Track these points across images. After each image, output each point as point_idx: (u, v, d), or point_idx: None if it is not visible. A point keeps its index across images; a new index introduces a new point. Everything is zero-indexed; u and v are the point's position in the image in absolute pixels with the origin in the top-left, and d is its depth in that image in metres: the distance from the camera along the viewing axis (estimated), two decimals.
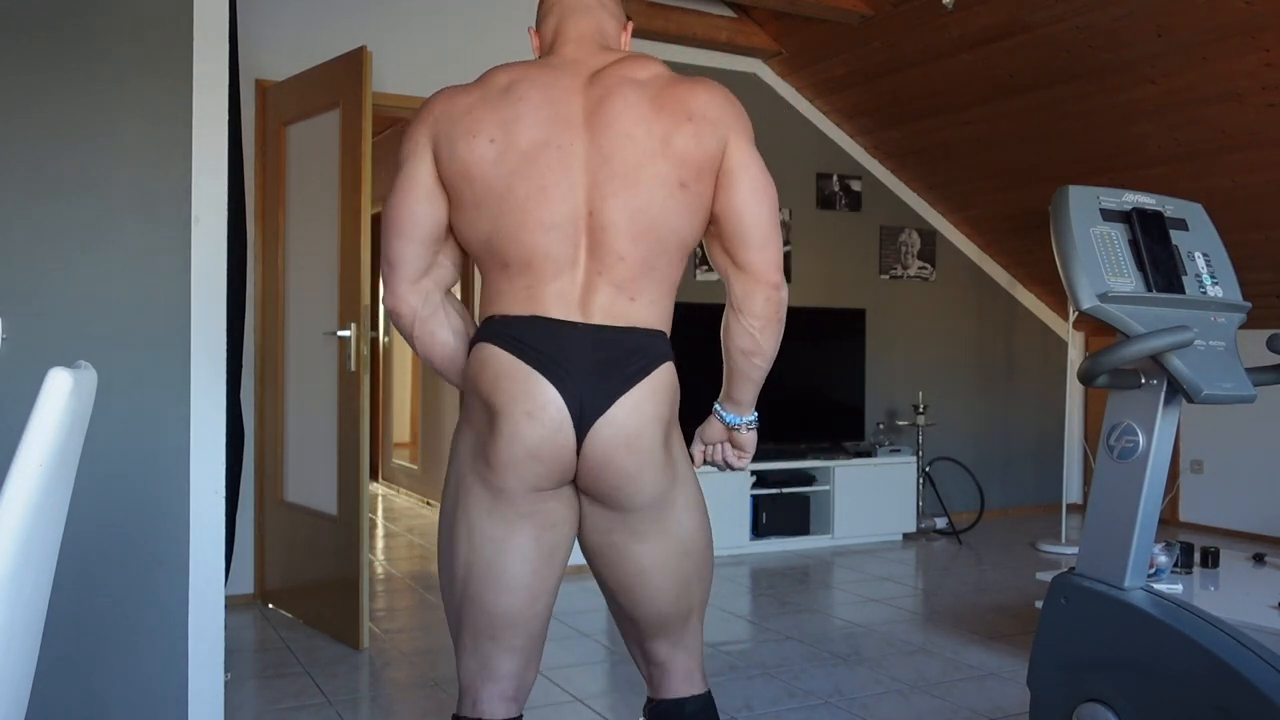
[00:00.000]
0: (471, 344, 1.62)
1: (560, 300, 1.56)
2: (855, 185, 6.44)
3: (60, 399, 1.11)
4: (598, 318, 1.56)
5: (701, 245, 1.73)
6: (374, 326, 8.07)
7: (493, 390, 1.55)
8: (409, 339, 1.70)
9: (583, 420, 1.53)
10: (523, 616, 1.62)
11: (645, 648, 1.77)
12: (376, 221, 8.23)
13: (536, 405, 1.52)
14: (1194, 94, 4.63)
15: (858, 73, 5.75)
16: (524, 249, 1.55)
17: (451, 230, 1.66)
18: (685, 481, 1.68)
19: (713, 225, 1.67)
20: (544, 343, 1.53)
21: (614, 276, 1.56)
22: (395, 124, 7.56)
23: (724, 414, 1.78)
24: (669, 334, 1.63)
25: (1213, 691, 1.95)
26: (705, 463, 1.84)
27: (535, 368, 1.52)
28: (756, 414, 1.78)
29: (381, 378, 8.31)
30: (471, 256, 1.66)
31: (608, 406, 1.53)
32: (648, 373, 1.56)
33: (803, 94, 6.26)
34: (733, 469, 1.84)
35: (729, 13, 5.79)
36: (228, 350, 2.71)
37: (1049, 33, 4.71)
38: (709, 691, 1.78)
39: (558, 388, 1.52)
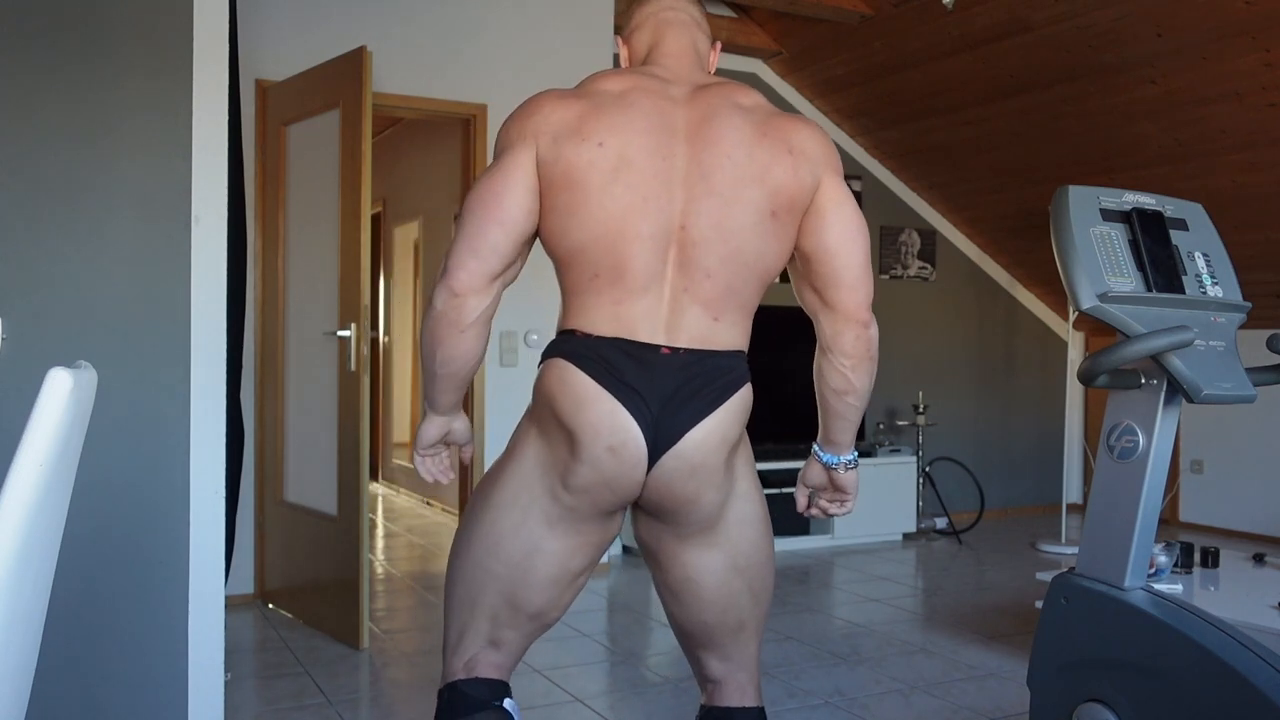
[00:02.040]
0: (546, 354, 1.59)
1: (647, 320, 1.53)
2: (855, 185, 6.43)
3: (60, 399, 1.11)
4: (682, 340, 1.54)
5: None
6: (374, 326, 8.07)
7: (574, 414, 1.52)
8: (450, 336, 1.56)
9: (655, 450, 1.53)
10: (553, 614, 1.66)
11: (698, 657, 1.77)
12: (376, 221, 8.24)
13: (619, 441, 1.51)
14: (1194, 94, 4.63)
15: (858, 73, 5.75)
16: (618, 258, 1.52)
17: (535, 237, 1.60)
18: (741, 497, 1.66)
19: (801, 264, 1.65)
20: (628, 370, 1.51)
21: (700, 294, 1.54)
22: (395, 124, 7.56)
23: (822, 455, 1.76)
24: (746, 351, 1.63)
25: (1213, 692, 1.95)
26: (808, 511, 1.83)
27: (618, 398, 1.50)
28: (856, 453, 1.76)
29: (381, 378, 8.31)
30: (557, 264, 1.60)
31: (680, 437, 1.52)
32: (725, 398, 1.55)
33: (803, 94, 6.26)
34: (833, 516, 1.82)
35: (729, 13, 5.79)
36: (228, 350, 2.71)
37: (1049, 33, 4.71)
38: (762, 708, 1.76)
39: (638, 420, 1.51)
